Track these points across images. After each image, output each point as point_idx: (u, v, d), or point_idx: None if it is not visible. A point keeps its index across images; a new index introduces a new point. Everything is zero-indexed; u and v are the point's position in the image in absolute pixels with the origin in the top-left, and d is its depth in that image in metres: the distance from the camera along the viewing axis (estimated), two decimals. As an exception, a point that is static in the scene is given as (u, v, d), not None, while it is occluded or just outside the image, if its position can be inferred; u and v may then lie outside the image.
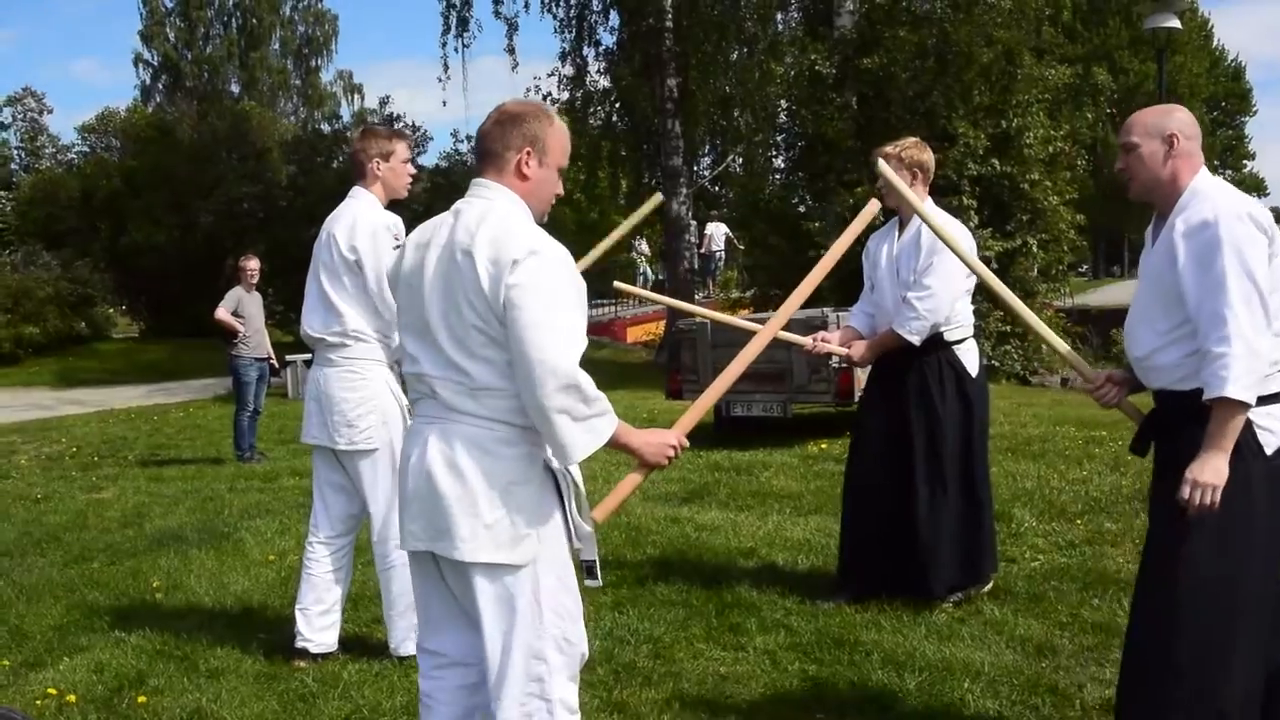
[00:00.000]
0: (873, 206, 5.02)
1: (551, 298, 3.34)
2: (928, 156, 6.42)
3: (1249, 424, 3.78)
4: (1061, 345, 4.49)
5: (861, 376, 12.54)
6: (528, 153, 3.53)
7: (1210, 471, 3.73)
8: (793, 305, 4.43)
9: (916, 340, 6.34)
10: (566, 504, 3.52)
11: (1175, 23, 19.63)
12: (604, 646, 5.85)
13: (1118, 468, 10.25)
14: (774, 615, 6.31)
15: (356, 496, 5.88)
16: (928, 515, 6.37)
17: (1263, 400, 3.78)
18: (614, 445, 3.55)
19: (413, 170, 6.03)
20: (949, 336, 6.47)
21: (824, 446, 12.09)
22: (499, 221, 3.43)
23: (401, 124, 36.30)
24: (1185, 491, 3.75)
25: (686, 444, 3.75)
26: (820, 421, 13.95)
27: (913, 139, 6.53)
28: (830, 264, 4.57)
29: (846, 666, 5.47)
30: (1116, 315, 27.55)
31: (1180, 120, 3.96)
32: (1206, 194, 3.86)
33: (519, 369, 3.34)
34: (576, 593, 3.60)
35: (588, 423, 3.39)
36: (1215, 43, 68.69)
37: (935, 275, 6.24)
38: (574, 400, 3.34)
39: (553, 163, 3.59)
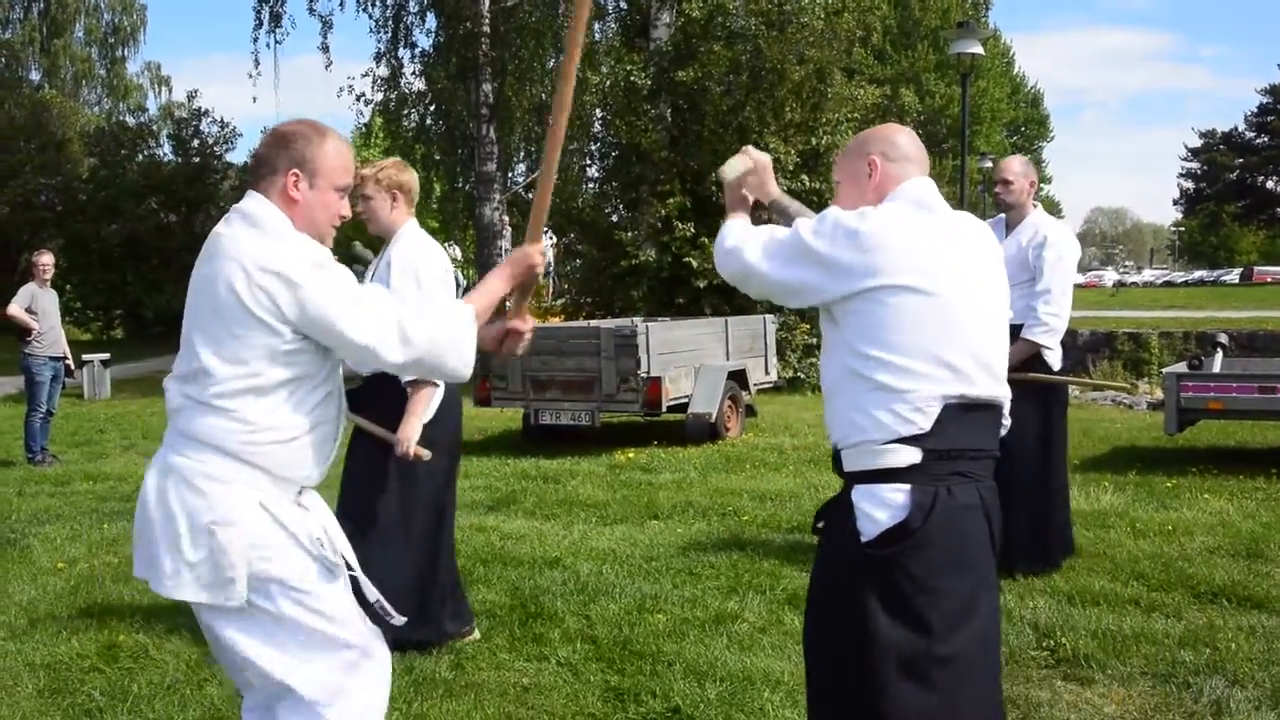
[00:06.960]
0: None
1: (332, 290, 3.17)
2: (408, 177, 5.75)
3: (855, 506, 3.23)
4: None
5: (670, 388, 12.71)
6: (295, 175, 3.30)
7: None
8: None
9: None
10: (299, 540, 3.25)
11: (978, 49, 20.27)
12: (404, 658, 5.78)
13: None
14: (577, 625, 6.30)
15: None
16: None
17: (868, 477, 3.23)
18: (492, 300, 3.47)
19: None
20: None
21: (631, 456, 12.15)
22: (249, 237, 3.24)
23: (209, 119, 35.32)
24: None
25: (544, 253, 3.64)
26: (628, 430, 14.04)
27: (393, 159, 5.89)
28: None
29: (649, 677, 5.48)
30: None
31: None
32: None
33: (356, 355, 3.24)
34: (340, 622, 3.32)
35: (457, 323, 3.31)
36: (1016, 70, 71.12)
37: None
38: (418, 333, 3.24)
39: (326, 185, 3.34)
